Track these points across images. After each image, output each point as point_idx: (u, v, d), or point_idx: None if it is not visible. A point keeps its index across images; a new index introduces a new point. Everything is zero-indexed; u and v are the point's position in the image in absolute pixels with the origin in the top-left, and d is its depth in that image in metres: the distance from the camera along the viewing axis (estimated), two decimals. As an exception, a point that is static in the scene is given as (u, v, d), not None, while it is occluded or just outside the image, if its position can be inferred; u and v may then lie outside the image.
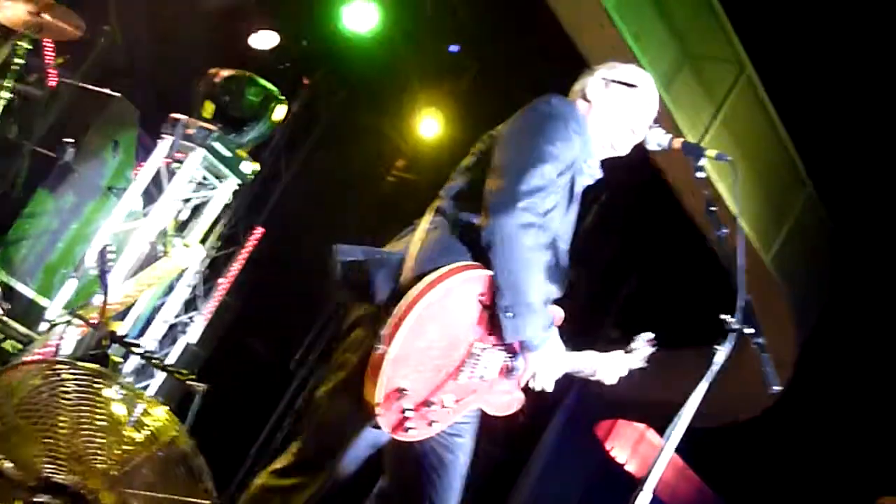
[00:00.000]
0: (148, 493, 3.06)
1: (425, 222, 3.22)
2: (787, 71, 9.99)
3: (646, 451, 15.71)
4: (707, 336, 3.13)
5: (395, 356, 2.88)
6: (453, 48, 10.07)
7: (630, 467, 15.42)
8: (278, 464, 3.22)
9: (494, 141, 3.25)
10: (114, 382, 3.15)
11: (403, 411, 2.95)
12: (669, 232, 11.19)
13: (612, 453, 15.26)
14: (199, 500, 2.92)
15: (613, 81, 3.45)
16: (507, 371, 3.22)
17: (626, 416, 14.83)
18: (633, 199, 11.07)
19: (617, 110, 3.41)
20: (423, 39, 9.96)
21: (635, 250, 12.14)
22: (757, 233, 10.14)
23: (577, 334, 3.68)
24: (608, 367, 3.62)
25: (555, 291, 3.37)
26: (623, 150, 3.48)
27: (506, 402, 3.32)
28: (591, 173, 3.43)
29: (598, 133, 3.41)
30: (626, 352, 3.68)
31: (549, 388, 3.22)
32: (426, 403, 3.01)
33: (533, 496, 13.13)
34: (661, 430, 14.72)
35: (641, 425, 15.34)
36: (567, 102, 3.36)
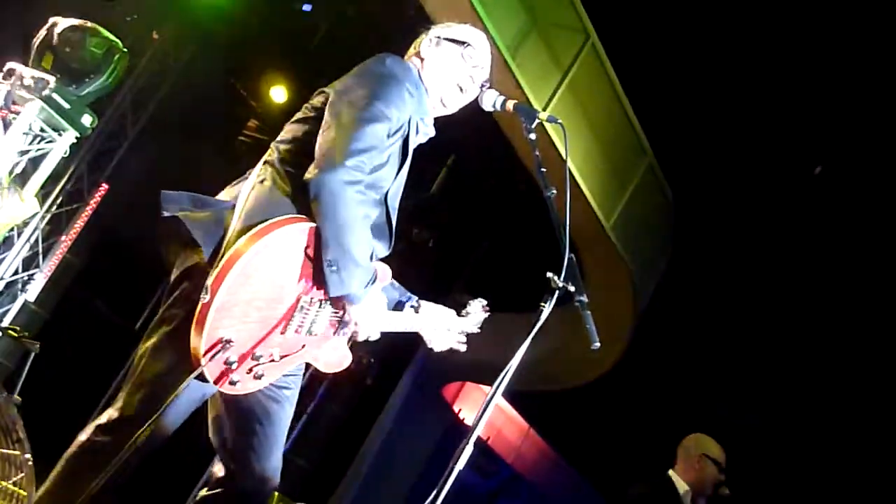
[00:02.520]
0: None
1: (255, 174, 3.22)
2: (630, 41, 10.22)
3: (492, 414, 15.93)
4: (559, 301, 3.15)
5: (218, 306, 2.86)
6: (306, 7, 9.96)
7: (477, 431, 15.62)
8: (102, 419, 3.14)
9: (327, 97, 3.25)
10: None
11: (227, 363, 2.95)
12: (519, 196, 11.37)
13: (461, 415, 15.46)
14: (8, 451, 2.86)
15: (445, 39, 3.50)
16: (337, 326, 3.26)
17: (473, 379, 15.03)
18: (483, 162, 11.19)
19: (446, 67, 3.47)
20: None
21: (486, 215, 12.28)
22: (598, 200, 10.35)
23: (426, 298, 3.75)
24: (436, 328, 3.69)
25: (382, 249, 3.41)
26: (452, 107, 3.53)
27: (336, 359, 3.37)
28: (426, 132, 3.49)
29: (430, 90, 3.47)
30: (460, 315, 3.76)
31: (374, 337, 3.27)
32: (252, 356, 3.01)
33: (382, 457, 13.22)
34: (506, 394, 15.01)
35: (488, 388, 15.58)
36: (401, 62, 3.39)
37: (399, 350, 12.37)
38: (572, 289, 3.11)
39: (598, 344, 3.22)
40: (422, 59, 3.50)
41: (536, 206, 3.27)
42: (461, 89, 3.48)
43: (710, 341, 12.11)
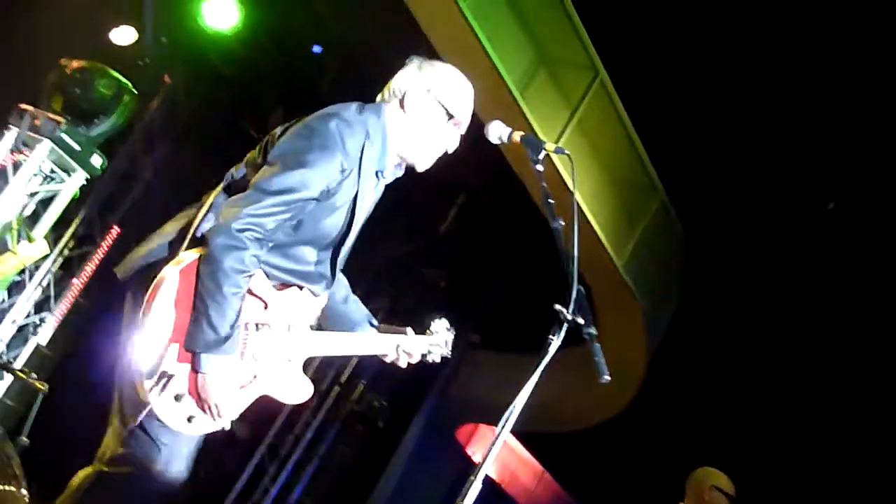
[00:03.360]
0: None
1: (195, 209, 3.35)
2: (640, 77, 10.22)
3: (506, 456, 15.86)
4: (569, 340, 3.10)
5: (145, 342, 2.97)
6: (316, 49, 10.01)
7: (491, 472, 15.53)
8: (106, 453, 3.20)
9: (270, 144, 3.32)
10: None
11: (176, 398, 3.01)
12: (531, 235, 11.34)
13: (474, 458, 15.34)
14: (4, 487, 2.84)
15: (437, 101, 3.46)
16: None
17: (487, 421, 14.93)
18: (494, 200, 11.15)
19: (425, 133, 3.46)
20: (285, 39, 9.89)
21: (497, 254, 12.24)
22: (609, 238, 10.32)
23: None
24: (392, 348, 3.73)
25: (318, 289, 3.44)
26: (410, 162, 3.52)
27: (294, 388, 3.40)
28: (386, 180, 3.51)
29: (395, 141, 3.45)
30: (425, 333, 3.84)
31: (220, 419, 3.15)
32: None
33: (394, 501, 13.12)
34: (520, 435, 14.91)
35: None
36: (354, 118, 3.32)
37: (411, 392, 12.30)
38: (581, 321, 3.05)
39: (607, 377, 3.16)
40: (403, 109, 3.45)
41: (549, 245, 3.22)
42: (434, 156, 3.51)
43: (724, 379, 12.02)
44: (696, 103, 10.67)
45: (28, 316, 8.79)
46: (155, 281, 3.02)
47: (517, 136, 3.40)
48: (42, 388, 5.55)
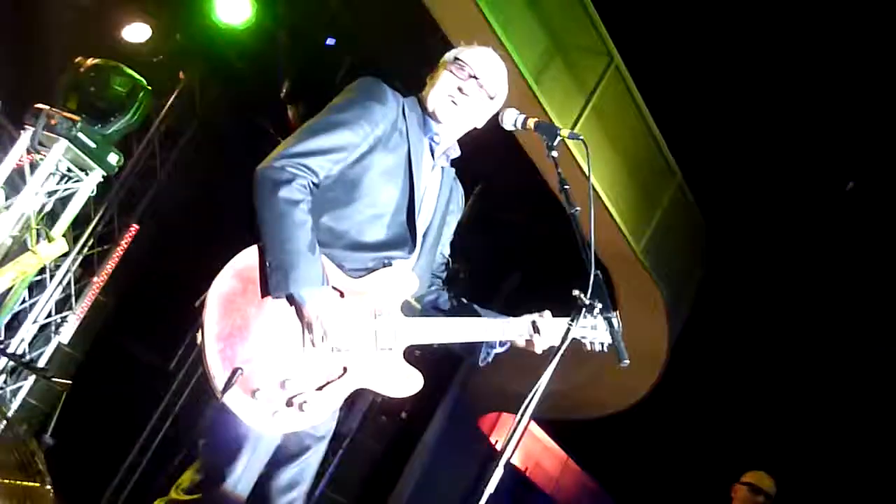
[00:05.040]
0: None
1: None
2: (655, 62, 10.19)
3: (530, 444, 15.89)
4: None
5: (210, 338, 2.85)
6: (329, 41, 10.00)
7: (515, 460, 15.56)
8: (185, 482, 3.11)
9: None
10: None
11: (251, 391, 2.88)
12: (549, 224, 11.32)
13: (497, 446, 15.36)
14: (29, 483, 2.85)
15: (440, 63, 3.47)
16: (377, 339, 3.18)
17: (509, 410, 14.95)
18: (512, 189, 11.13)
19: (435, 83, 3.42)
20: (298, 32, 9.89)
21: (516, 243, 12.22)
22: (628, 224, 10.29)
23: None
24: (514, 328, 3.51)
25: (401, 254, 3.30)
26: (447, 120, 3.42)
27: (397, 380, 3.22)
28: (441, 149, 3.46)
29: (427, 108, 3.42)
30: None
31: (343, 347, 3.07)
32: (281, 384, 2.94)
33: (420, 491, 13.14)
34: (543, 423, 14.93)
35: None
36: (374, 81, 3.33)
37: (434, 382, 12.32)
38: (599, 305, 3.05)
39: (627, 361, 3.15)
40: (425, 87, 3.47)
41: (567, 233, 3.21)
42: (453, 101, 3.38)
43: (746, 362, 11.99)
44: (711, 85, 10.64)
45: (49, 315, 8.84)
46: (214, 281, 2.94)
47: (531, 122, 3.39)
48: (64, 388, 5.58)
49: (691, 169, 11.24)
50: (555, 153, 3.33)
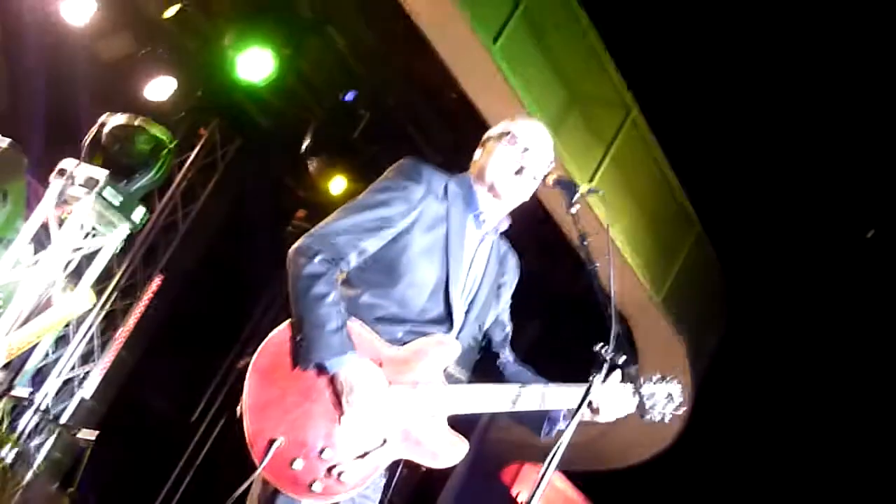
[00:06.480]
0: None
1: None
2: (672, 113, 10.20)
3: (552, 495, 15.73)
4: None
5: (249, 408, 2.92)
6: (349, 96, 10.10)
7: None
8: None
9: None
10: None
11: (289, 463, 2.91)
12: (569, 273, 11.31)
13: (519, 498, 15.23)
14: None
15: (488, 139, 3.50)
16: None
17: (531, 460, 14.83)
18: (530, 242, 11.14)
19: (490, 159, 3.42)
20: (318, 88, 10.00)
21: (536, 292, 12.20)
22: (647, 274, 10.26)
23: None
24: (563, 398, 3.38)
25: (417, 330, 3.27)
26: (508, 193, 3.42)
27: (439, 448, 3.21)
28: (487, 226, 3.45)
29: (482, 184, 3.42)
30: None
31: (375, 414, 3.06)
32: (318, 454, 2.96)
33: (441, 544, 13.06)
34: (567, 474, 14.80)
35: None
36: (414, 162, 3.38)
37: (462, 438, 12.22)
38: (622, 360, 3.05)
39: (650, 416, 3.16)
40: (474, 164, 3.49)
41: (587, 283, 3.21)
42: (514, 174, 3.38)
43: (771, 410, 11.89)
44: (729, 135, 10.64)
45: (73, 369, 8.90)
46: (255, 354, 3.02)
47: (551, 179, 3.39)
48: (89, 443, 5.62)
49: (710, 219, 11.23)
50: (574, 209, 3.32)
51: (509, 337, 3.67)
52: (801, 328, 11.73)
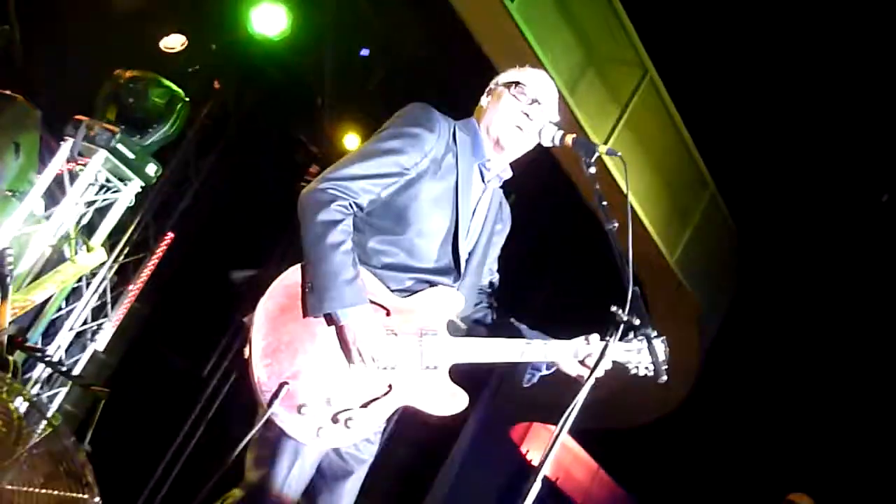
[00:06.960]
0: (26, 489, 3.02)
1: None
2: (689, 74, 10.15)
3: (560, 454, 15.81)
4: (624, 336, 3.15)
5: (257, 353, 2.91)
6: (364, 52, 10.04)
7: (546, 470, 15.48)
8: (231, 496, 3.16)
9: None
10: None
11: (297, 406, 2.93)
12: (581, 233, 11.29)
13: (528, 456, 15.34)
14: (77, 495, 2.88)
15: (498, 85, 3.51)
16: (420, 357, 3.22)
17: (540, 419, 14.92)
18: (544, 200, 11.10)
19: (497, 109, 3.44)
20: (332, 43, 9.93)
21: (548, 251, 12.20)
22: (661, 234, 10.26)
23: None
24: (558, 352, 3.48)
25: (447, 281, 3.34)
26: (512, 147, 3.46)
27: (442, 398, 3.27)
28: (492, 174, 3.47)
29: (488, 134, 3.44)
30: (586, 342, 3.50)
31: (382, 363, 3.09)
32: (326, 400, 2.99)
33: (451, 500, 13.14)
34: (574, 433, 14.88)
35: (555, 427, 15.41)
36: (424, 107, 3.38)
37: (465, 391, 12.28)
38: (637, 322, 3.06)
39: (665, 377, 3.16)
40: (480, 110, 3.51)
41: (600, 242, 3.22)
42: (519, 128, 3.41)
43: (780, 375, 11.91)
44: (745, 97, 10.58)
45: (85, 323, 8.92)
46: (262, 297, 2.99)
47: (569, 139, 3.38)
48: (103, 395, 5.63)
49: (725, 181, 11.20)
50: (592, 169, 3.31)
51: (496, 285, 3.69)
52: (814, 291, 11.71)
